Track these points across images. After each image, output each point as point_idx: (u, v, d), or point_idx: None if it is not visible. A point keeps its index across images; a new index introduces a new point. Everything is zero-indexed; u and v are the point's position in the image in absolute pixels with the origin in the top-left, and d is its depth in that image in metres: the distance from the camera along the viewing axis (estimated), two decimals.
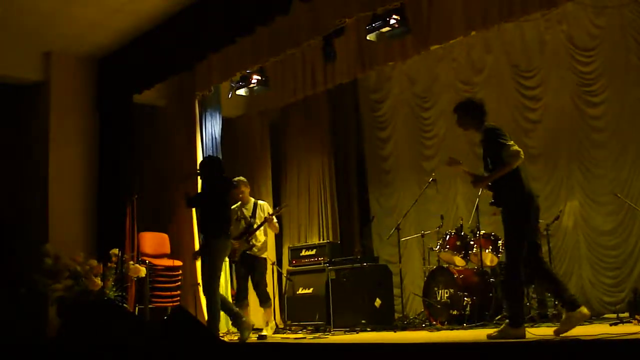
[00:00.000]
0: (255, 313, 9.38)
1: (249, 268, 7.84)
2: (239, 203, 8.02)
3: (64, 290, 7.77)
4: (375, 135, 10.84)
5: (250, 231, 7.79)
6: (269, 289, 8.07)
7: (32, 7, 8.05)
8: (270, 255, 8.78)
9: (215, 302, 6.76)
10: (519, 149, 5.25)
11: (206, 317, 6.96)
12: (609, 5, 8.10)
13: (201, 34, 8.00)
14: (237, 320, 6.98)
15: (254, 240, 7.80)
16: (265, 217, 7.82)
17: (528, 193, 5.28)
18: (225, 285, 9.22)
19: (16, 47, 8.85)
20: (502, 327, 5.15)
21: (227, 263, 9.32)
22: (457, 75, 9.75)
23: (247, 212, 7.92)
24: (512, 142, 5.28)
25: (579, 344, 3.70)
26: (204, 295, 7.16)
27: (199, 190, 8.22)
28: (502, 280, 5.37)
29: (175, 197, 9.41)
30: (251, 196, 8.14)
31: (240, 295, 7.84)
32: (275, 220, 7.93)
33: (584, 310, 5.02)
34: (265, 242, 8.00)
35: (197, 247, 9.06)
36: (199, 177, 8.03)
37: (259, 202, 8.10)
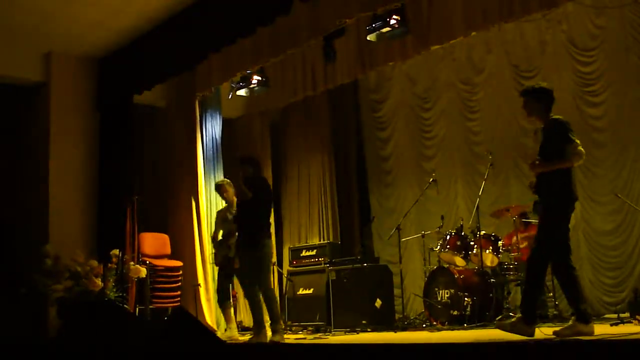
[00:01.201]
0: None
1: (230, 271, 7.82)
2: (226, 205, 8.03)
3: (65, 290, 7.77)
4: (376, 135, 10.83)
5: (229, 236, 7.73)
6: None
7: (33, 7, 8.05)
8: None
9: (274, 299, 6.65)
10: (583, 150, 5.24)
11: (267, 318, 6.70)
12: (609, 6, 8.10)
13: (201, 35, 8.00)
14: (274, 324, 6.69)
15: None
16: None
17: (575, 194, 5.27)
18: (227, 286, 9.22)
19: (16, 47, 8.85)
20: (569, 323, 5.09)
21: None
22: (457, 75, 9.75)
23: (230, 215, 7.85)
24: (578, 140, 5.26)
25: (579, 344, 3.70)
26: (263, 297, 6.67)
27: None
28: (561, 280, 5.33)
29: (176, 197, 9.44)
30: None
31: (222, 297, 7.86)
32: None
33: (592, 327, 5.00)
34: None
35: (197, 247, 9.06)
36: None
37: None
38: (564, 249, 5.19)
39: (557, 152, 5.26)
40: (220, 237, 8.00)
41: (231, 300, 8.00)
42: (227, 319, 7.94)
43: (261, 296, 6.63)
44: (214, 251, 8.25)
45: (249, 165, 6.94)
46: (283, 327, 6.86)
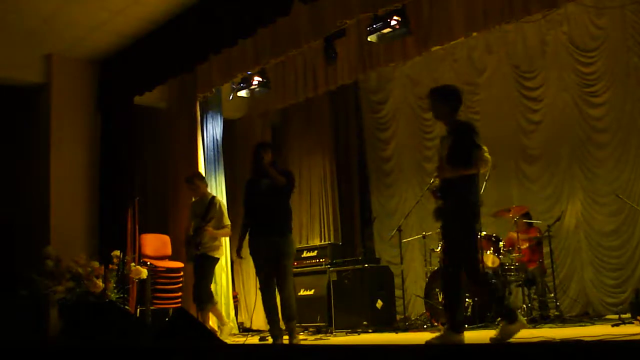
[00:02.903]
0: (257, 314, 9.40)
1: (206, 268, 7.55)
2: (198, 198, 7.79)
3: (66, 292, 7.77)
4: (377, 136, 10.83)
5: (197, 231, 7.48)
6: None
7: (34, 10, 8.06)
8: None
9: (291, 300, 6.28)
10: (489, 157, 5.14)
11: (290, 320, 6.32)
12: (610, 6, 8.10)
13: (202, 36, 8.00)
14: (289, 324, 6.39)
15: (203, 239, 7.48)
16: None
17: (479, 201, 5.18)
18: (226, 286, 9.22)
19: (17, 50, 8.86)
20: (442, 332, 5.06)
21: (230, 262, 9.34)
22: (458, 76, 9.74)
23: (200, 210, 7.64)
24: (485, 147, 5.13)
25: (580, 345, 3.70)
26: (285, 301, 6.29)
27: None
28: (444, 283, 5.22)
29: (177, 198, 9.43)
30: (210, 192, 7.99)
31: (204, 299, 7.53)
32: (212, 230, 7.49)
33: (462, 337, 4.99)
34: (213, 239, 7.58)
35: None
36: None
37: (215, 199, 7.78)
38: (463, 255, 5.08)
39: (464, 157, 5.10)
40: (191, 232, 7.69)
41: (215, 299, 7.74)
42: (220, 317, 7.82)
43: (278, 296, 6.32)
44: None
45: (271, 151, 6.57)
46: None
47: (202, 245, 7.46)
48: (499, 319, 5.18)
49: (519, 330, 4.95)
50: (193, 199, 7.87)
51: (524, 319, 5.05)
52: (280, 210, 6.39)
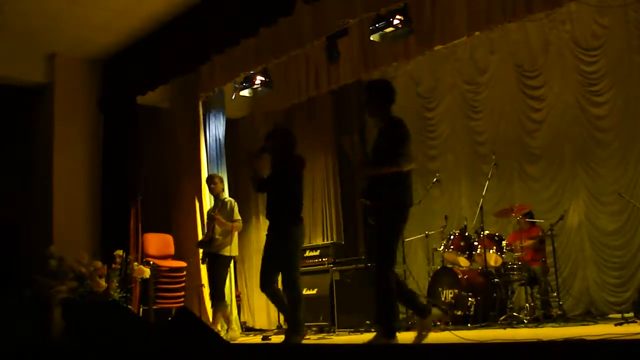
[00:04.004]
0: (260, 314, 9.40)
1: (220, 268, 7.80)
2: (211, 207, 8.16)
3: (69, 291, 7.78)
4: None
5: (209, 225, 7.83)
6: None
7: (37, 10, 8.07)
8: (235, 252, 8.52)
9: (300, 299, 6.08)
10: (411, 156, 5.03)
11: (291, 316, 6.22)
12: (613, 5, 8.08)
13: (205, 36, 8.01)
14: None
15: (214, 235, 7.79)
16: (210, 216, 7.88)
17: (410, 200, 5.05)
18: (229, 286, 9.22)
19: (20, 49, 8.87)
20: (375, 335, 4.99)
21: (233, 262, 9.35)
22: (461, 75, 9.74)
23: (213, 209, 8.01)
24: (410, 145, 5.03)
25: (583, 344, 3.69)
26: (289, 292, 6.18)
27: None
28: (376, 286, 5.11)
29: (179, 198, 9.44)
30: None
31: (210, 296, 7.85)
32: (221, 218, 7.80)
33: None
34: (226, 238, 7.86)
35: (201, 249, 9.06)
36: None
37: (226, 198, 8.14)
38: (391, 257, 4.98)
39: (389, 155, 4.97)
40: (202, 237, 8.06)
41: (226, 301, 7.97)
42: (226, 319, 7.91)
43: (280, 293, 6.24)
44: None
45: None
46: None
47: (214, 243, 7.70)
48: (416, 317, 5.12)
49: (434, 317, 4.86)
50: (209, 208, 8.16)
51: (437, 311, 4.99)
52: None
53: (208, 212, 8.14)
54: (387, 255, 4.99)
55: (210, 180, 8.24)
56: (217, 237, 7.78)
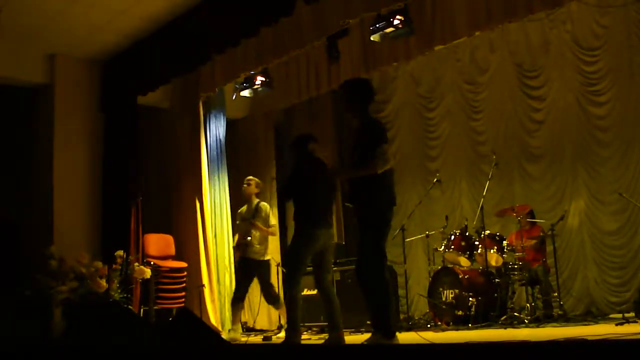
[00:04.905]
0: (261, 314, 9.39)
1: (247, 272, 7.84)
2: (242, 208, 8.16)
3: (69, 292, 7.77)
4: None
5: (246, 233, 7.82)
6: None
7: (36, 10, 8.07)
8: (275, 256, 8.76)
9: (290, 298, 5.97)
10: (389, 158, 4.94)
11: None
12: (614, 5, 8.08)
13: (205, 36, 8.01)
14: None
15: (252, 240, 7.80)
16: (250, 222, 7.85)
17: (392, 199, 4.99)
18: (230, 287, 9.23)
19: (20, 50, 8.87)
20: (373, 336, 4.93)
21: (232, 263, 9.36)
22: (461, 75, 9.74)
23: (248, 214, 7.98)
24: (386, 146, 4.93)
25: (584, 344, 3.69)
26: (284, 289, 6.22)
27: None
28: (368, 290, 4.98)
29: (180, 198, 9.44)
30: (257, 197, 8.15)
31: (234, 297, 7.85)
32: (261, 225, 7.84)
33: (397, 339, 4.89)
34: (263, 244, 7.95)
35: (201, 248, 9.07)
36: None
37: (260, 203, 8.09)
38: (377, 257, 4.90)
39: (365, 157, 4.89)
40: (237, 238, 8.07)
41: (243, 302, 8.00)
42: (234, 320, 7.91)
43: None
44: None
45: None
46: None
47: (251, 249, 7.76)
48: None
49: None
50: (239, 210, 8.15)
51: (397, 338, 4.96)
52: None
53: (242, 216, 8.06)
54: (372, 255, 4.91)
55: (247, 181, 8.13)
56: (255, 243, 7.80)
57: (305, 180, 5.96)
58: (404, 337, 6.64)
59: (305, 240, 5.82)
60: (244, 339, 7.74)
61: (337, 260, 8.81)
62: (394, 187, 5.11)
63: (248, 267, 7.80)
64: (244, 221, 7.95)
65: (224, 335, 7.83)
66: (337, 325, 5.78)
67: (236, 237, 8.09)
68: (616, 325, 6.12)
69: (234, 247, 8.36)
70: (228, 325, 8.96)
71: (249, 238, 7.75)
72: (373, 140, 4.90)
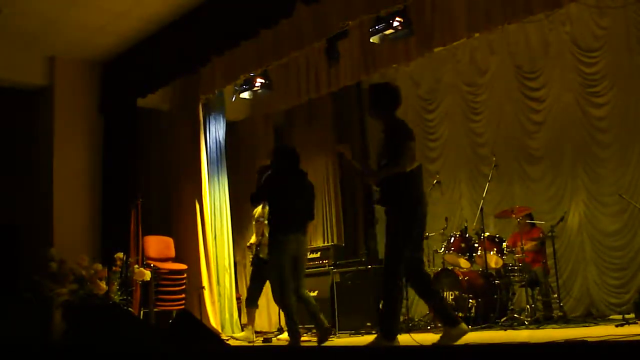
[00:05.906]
0: (259, 315, 9.39)
1: (261, 272, 7.78)
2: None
3: (69, 294, 7.77)
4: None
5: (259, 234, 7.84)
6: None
7: (36, 12, 8.07)
8: None
9: (288, 305, 6.23)
10: (414, 155, 5.03)
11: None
12: (613, 6, 8.08)
13: (205, 38, 8.01)
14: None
15: (265, 240, 7.80)
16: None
17: (419, 198, 5.04)
18: (230, 288, 9.23)
19: (20, 52, 8.88)
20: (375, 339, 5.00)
21: (234, 264, 9.38)
22: (461, 77, 9.74)
23: (261, 215, 7.99)
24: (412, 143, 5.06)
25: (585, 345, 3.69)
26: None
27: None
28: (383, 289, 5.10)
29: (180, 200, 9.44)
30: None
31: (248, 296, 7.83)
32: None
33: (464, 326, 4.93)
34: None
35: (201, 250, 9.07)
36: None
37: None
38: (396, 258, 4.98)
39: (392, 158, 4.97)
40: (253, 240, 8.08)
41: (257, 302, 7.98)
42: (249, 319, 7.88)
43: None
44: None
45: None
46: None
47: (264, 248, 7.63)
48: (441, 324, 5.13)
49: (461, 335, 4.89)
50: (254, 211, 8.12)
51: (464, 325, 5.00)
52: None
53: (256, 217, 8.05)
54: (392, 257, 5.00)
55: None
56: (264, 242, 7.77)
57: (276, 190, 6.27)
58: (407, 339, 6.64)
59: (276, 248, 6.16)
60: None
61: (337, 262, 8.81)
62: (422, 184, 5.20)
63: (262, 267, 7.78)
64: (258, 222, 7.95)
65: (237, 335, 7.83)
66: (323, 321, 6.21)
67: (252, 237, 8.08)
68: (616, 326, 6.11)
69: (247, 247, 8.37)
70: (228, 327, 8.98)
71: (262, 238, 7.73)
72: (398, 140, 5.01)
